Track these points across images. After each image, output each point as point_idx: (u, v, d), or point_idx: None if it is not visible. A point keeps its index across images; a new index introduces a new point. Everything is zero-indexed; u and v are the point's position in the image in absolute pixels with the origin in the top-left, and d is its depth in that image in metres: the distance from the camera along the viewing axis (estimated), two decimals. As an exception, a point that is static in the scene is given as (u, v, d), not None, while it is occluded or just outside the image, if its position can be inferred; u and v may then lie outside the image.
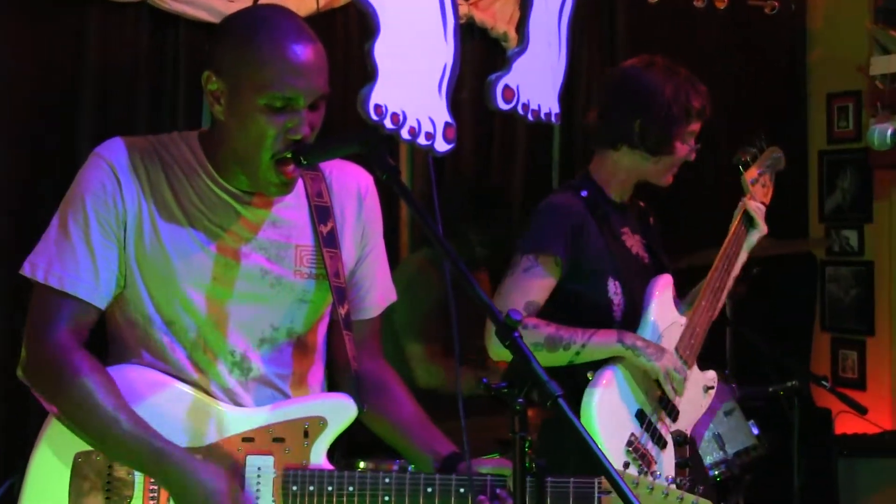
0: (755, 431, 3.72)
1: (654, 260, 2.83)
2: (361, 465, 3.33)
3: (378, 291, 2.24)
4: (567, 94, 4.23)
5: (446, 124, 1.88)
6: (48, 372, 1.97)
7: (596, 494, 2.02)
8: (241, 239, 2.05)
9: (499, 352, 2.58)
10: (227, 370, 2.06)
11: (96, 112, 3.41)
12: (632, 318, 2.68)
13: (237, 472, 2.00)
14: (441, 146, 1.88)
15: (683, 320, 2.73)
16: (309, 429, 2.05)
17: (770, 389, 3.91)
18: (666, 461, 2.61)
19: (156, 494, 1.99)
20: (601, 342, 2.58)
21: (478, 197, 3.95)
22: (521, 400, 1.65)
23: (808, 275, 5.03)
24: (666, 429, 2.64)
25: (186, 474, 1.93)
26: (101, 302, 2.02)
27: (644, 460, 2.55)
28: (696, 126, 2.71)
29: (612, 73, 2.78)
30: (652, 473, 2.55)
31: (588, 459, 2.38)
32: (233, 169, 2.04)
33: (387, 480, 2.01)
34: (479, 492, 2.00)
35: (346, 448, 3.26)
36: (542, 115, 2.05)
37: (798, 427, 3.89)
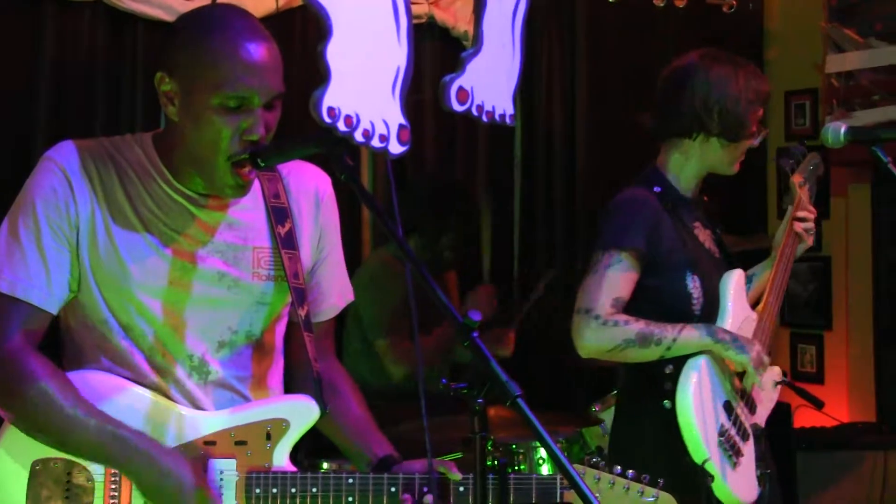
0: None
1: (724, 254, 2.89)
2: (325, 465, 3.33)
3: (335, 294, 2.24)
4: (527, 93, 4.24)
5: (400, 126, 1.87)
6: (3, 378, 1.95)
7: (558, 489, 2.05)
8: (198, 242, 2.03)
9: (589, 348, 2.62)
10: (185, 374, 2.04)
11: (52, 113, 3.38)
12: (710, 312, 2.72)
13: (201, 472, 1.99)
14: (395, 148, 1.87)
15: (755, 315, 2.79)
16: (271, 431, 2.04)
17: (730, 385, 3.95)
18: (749, 453, 2.67)
19: (116, 500, 1.97)
20: (692, 337, 2.62)
21: (441, 197, 3.96)
22: (480, 400, 1.66)
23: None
24: (748, 421, 2.70)
25: (155, 463, 1.93)
26: (54, 307, 2.00)
27: (734, 450, 2.61)
28: (761, 111, 2.79)
29: (677, 69, 2.82)
30: (740, 464, 2.62)
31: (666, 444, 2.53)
32: (188, 171, 2.02)
33: (350, 481, 2.01)
34: (438, 488, 2.01)
35: (310, 449, 3.26)
36: (497, 117, 2.05)
37: (757, 422, 3.93)
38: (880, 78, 4.41)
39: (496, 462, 1.72)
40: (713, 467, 2.54)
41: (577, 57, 4.54)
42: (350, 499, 2.01)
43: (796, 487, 4.10)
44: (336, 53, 1.86)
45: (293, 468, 2.05)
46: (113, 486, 1.97)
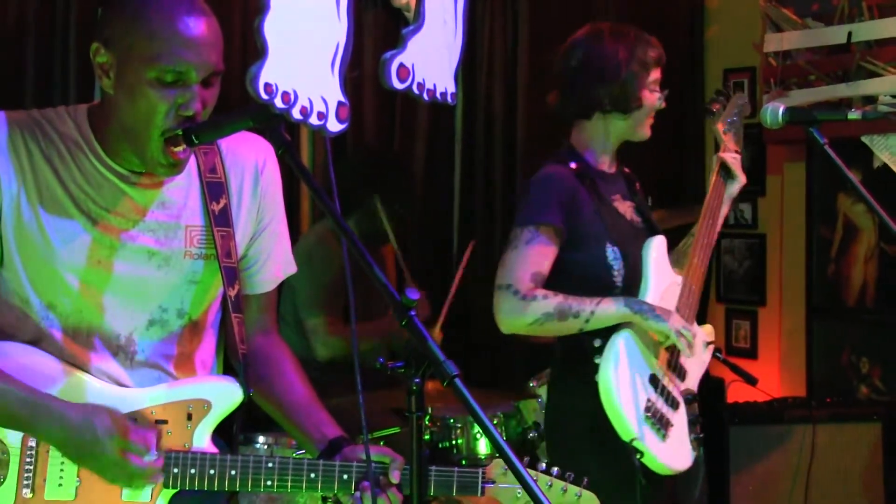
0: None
1: (647, 223, 2.91)
2: (261, 439, 3.31)
3: (275, 265, 2.19)
4: (469, 70, 4.23)
5: (339, 104, 1.84)
6: None
7: (480, 484, 2.03)
8: (128, 221, 1.98)
9: (509, 324, 2.64)
10: (110, 353, 2.00)
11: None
12: (632, 282, 2.74)
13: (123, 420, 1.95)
14: (334, 126, 1.83)
15: (679, 279, 2.80)
16: (192, 411, 2.01)
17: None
18: (679, 421, 2.69)
19: (31, 474, 1.94)
20: (609, 309, 2.64)
21: (372, 169, 3.93)
22: (417, 380, 1.65)
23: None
24: (677, 390, 2.72)
25: (68, 421, 1.89)
26: None
27: (662, 423, 2.63)
28: (656, 74, 2.81)
29: (566, 50, 2.84)
30: (670, 435, 2.64)
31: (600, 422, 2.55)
32: (121, 146, 1.97)
33: (269, 465, 1.99)
34: (362, 478, 1.98)
35: (245, 422, 3.23)
36: (438, 95, 2.03)
37: (692, 397, 3.99)
38: (816, 58, 4.47)
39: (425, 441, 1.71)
40: (641, 444, 2.56)
41: (519, 34, 4.53)
42: (269, 482, 1.99)
43: (728, 461, 4.17)
44: (274, 28, 1.82)
45: (214, 449, 2.02)
46: (28, 461, 1.94)
